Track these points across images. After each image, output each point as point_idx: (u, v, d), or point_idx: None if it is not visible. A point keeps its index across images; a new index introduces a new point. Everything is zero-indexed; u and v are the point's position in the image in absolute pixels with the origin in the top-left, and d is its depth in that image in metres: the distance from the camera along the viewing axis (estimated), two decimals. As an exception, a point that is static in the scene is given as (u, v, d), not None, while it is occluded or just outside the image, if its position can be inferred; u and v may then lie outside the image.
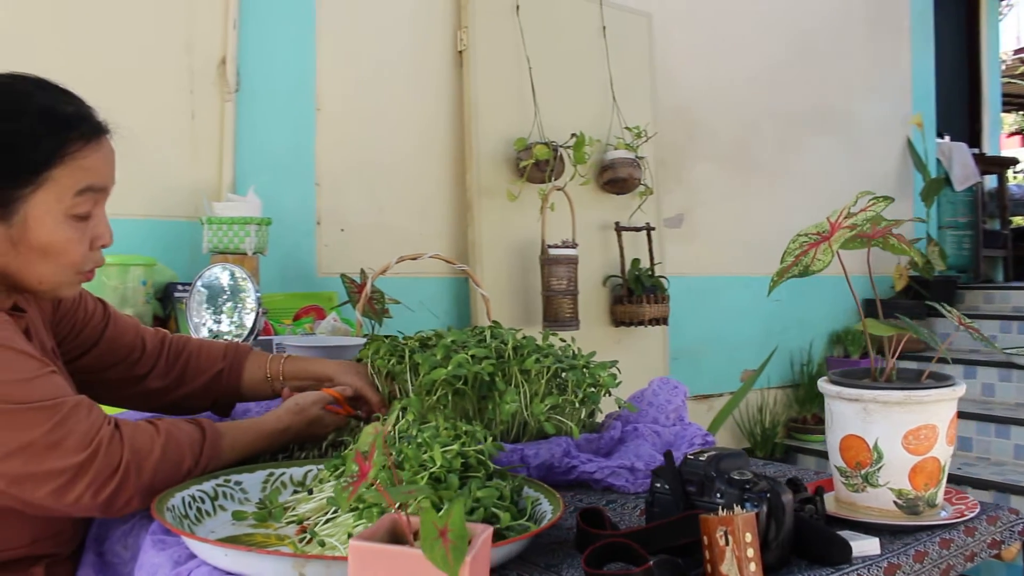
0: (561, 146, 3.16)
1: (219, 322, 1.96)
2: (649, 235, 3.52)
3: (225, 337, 1.93)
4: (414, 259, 2.16)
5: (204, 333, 1.95)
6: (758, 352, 3.97)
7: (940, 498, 1.10)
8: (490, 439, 1.12)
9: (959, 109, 6.44)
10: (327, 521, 1.01)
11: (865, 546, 0.95)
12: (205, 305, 1.96)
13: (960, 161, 5.46)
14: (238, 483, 1.19)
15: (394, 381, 1.43)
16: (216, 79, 2.65)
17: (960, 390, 1.09)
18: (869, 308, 4.70)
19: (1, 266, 1.12)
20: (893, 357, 1.12)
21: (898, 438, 1.05)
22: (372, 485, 0.68)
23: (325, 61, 2.88)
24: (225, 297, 1.95)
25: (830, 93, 4.62)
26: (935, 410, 1.06)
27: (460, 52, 3.15)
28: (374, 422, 0.75)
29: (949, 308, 1.10)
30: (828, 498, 1.14)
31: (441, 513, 0.65)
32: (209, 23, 2.63)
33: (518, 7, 3.22)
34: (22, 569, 1.14)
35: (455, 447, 1.05)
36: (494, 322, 1.64)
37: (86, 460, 1.01)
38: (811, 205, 4.23)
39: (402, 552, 0.67)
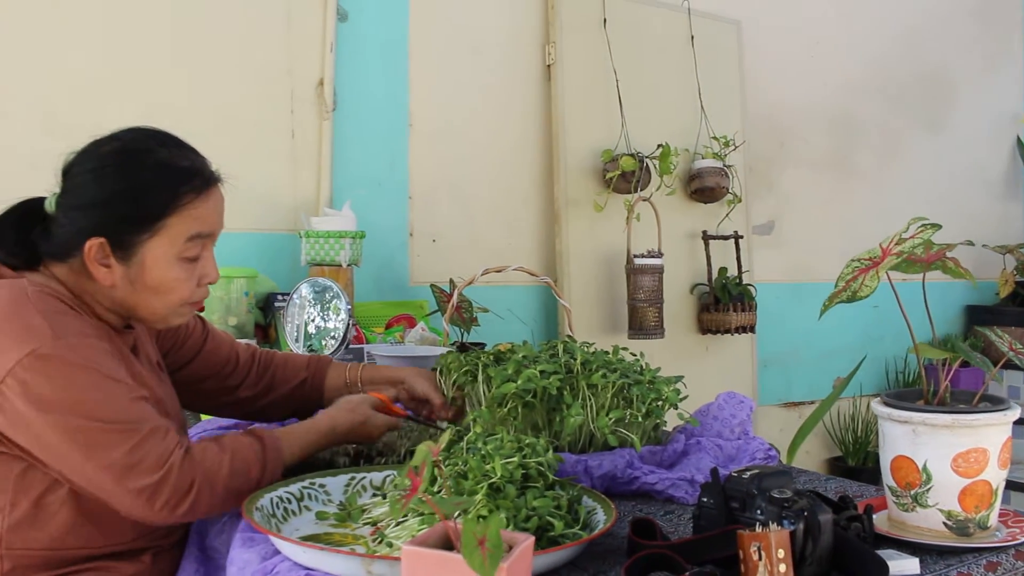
0: (647, 157, 3.20)
1: (314, 331, 2.09)
2: (737, 243, 3.52)
3: (316, 346, 2.06)
4: (499, 271, 2.24)
5: (299, 343, 2.09)
6: (853, 359, 3.91)
7: (993, 520, 1.11)
8: (551, 451, 1.19)
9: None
10: (397, 524, 1.11)
11: (904, 566, 0.99)
12: (300, 315, 2.10)
13: (1077, 161, 5.21)
14: (322, 486, 1.30)
15: (461, 389, 1.53)
16: (315, 100, 2.80)
17: (1014, 414, 1.10)
18: (973, 314, 4.57)
19: (120, 300, 1.27)
20: (946, 380, 1.14)
21: (947, 461, 1.08)
22: (423, 497, 0.76)
23: (417, 79, 3.00)
24: (319, 308, 2.08)
25: (933, 92, 4.49)
26: (985, 434, 1.07)
27: (548, 66, 3.23)
28: (428, 440, 0.84)
29: (1000, 332, 1.11)
30: (881, 517, 1.17)
31: (481, 524, 0.73)
32: (308, 48, 2.78)
33: (605, 20, 3.27)
34: (132, 557, 1.28)
35: (516, 459, 1.12)
36: (569, 336, 1.72)
37: (161, 480, 1.13)
38: (912, 208, 4.12)
39: (446, 556, 0.75)
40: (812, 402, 3.94)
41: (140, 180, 1.23)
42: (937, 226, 1.09)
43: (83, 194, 1.24)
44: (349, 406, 1.42)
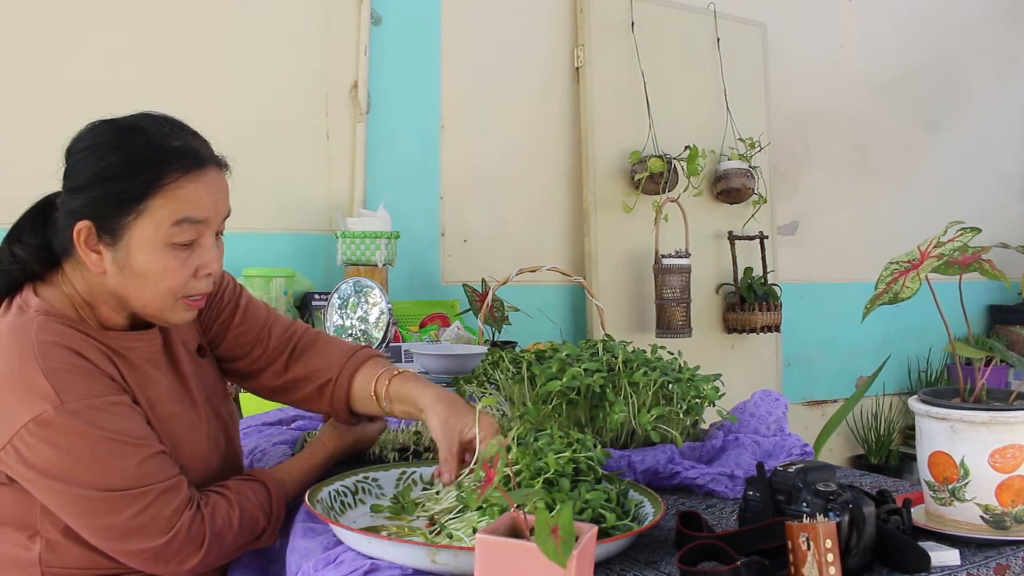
0: (675, 158, 3.24)
1: (353, 330, 2.15)
2: (762, 244, 3.56)
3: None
4: (533, 271, 2.29)
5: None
6: (876, 358, 3.94)
7: (1029, 514, 1.15)
8: (599, 446, 1.24)
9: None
10: (455, 516, 1.16)
11: (945, 556, 1.03)
12: (340, 315, 2.15)
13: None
14: (375, 480, 1.35)
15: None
16: (349, 102, 2.86)
17: (1049, 411, 1.13)
18: (995, 313, 4.58)
19: (112, 288, 1.20)
20: (982, 379, 1.18)
21: (984, 456, 1.11)
22: (496, 488, 0.81)
23: (449, 82, 3.05)
24: (358, 308, 2.13)
25: (955, 93, 4.50)
26: (1021, 431, 1.11)
27: (577, 69, 3.28)
28: (497, 437, 0.89)
29: (1036, 334, 1.15)
30: (919, 510, 1.21)
31: (553, 513, 0.78)
32: (342, 52, 2.84)
33: (633, 23, 3.32)
34: None
35: (567, 454, 1.17)
36: (607, 336, 1.76)
37: (167, 542, 1.12)
38: (935, 208, 4.16)
39: (520, 545, 0.80)
40: (835, 400, 3.97)
41: (123, 159, 1.16)
42: (976, 230, 1.13)
43: (75, 175, 1.18)
44: (338, 431, 1.43)
